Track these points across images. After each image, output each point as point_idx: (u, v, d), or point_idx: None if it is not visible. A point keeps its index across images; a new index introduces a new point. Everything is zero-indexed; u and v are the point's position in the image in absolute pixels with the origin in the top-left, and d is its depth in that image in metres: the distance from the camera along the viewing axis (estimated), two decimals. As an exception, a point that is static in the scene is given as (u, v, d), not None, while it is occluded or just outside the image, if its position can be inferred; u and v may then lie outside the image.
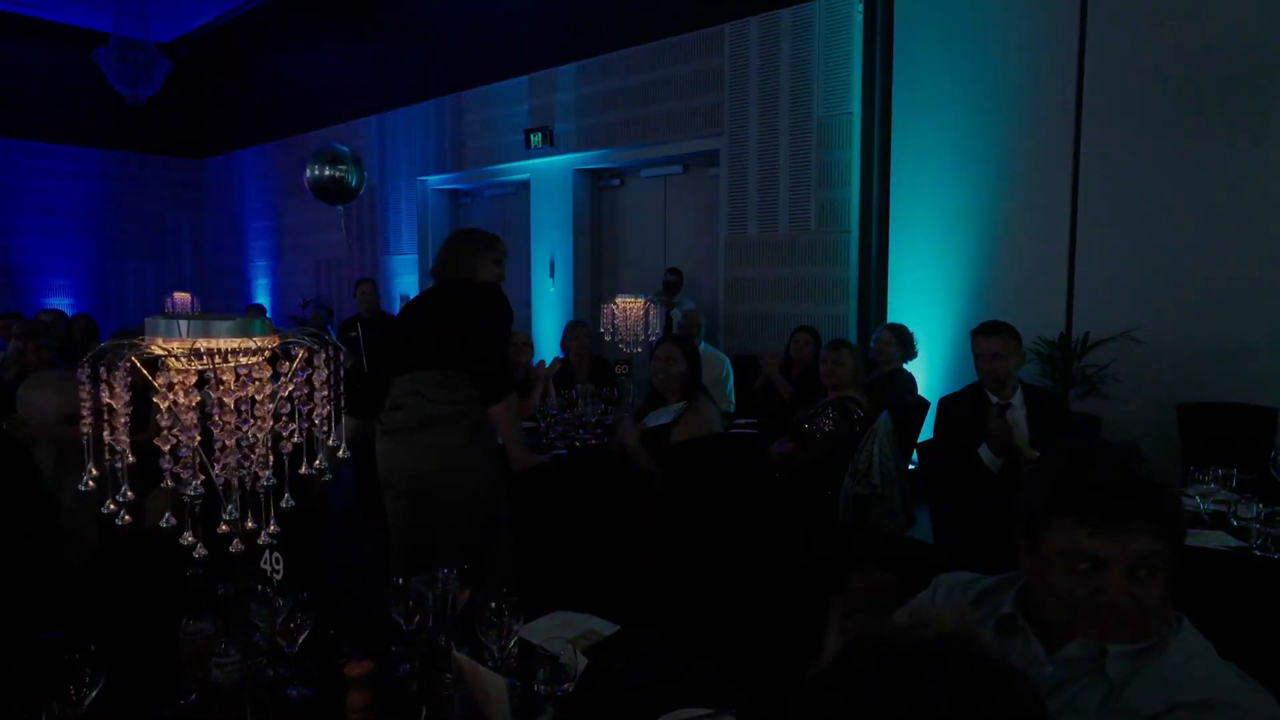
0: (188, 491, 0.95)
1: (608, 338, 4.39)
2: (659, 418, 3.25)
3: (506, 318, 2.92)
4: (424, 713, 1.21)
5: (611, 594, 2.13)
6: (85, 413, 0.96)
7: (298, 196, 10.28)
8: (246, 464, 1.05)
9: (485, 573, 2.59)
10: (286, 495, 1.02)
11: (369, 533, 3.71)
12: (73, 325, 6.84)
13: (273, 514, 1.09)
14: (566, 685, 1.49)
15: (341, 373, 1.11)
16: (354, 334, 6.06)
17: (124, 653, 1.55)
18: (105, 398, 0.97)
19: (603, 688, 1.51)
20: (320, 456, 1.07)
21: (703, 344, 5.13)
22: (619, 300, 4.36)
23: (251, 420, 1.05)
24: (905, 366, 4.34)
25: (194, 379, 0.98)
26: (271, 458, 1.07)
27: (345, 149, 6.92)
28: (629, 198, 7.48)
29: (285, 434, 1.03)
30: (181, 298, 7.41)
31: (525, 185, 7.89)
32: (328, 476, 1.11)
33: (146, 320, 1.01)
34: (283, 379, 1.03)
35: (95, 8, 9.51)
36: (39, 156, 10.68)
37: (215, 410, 1.00)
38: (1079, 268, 4.71)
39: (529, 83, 7.50)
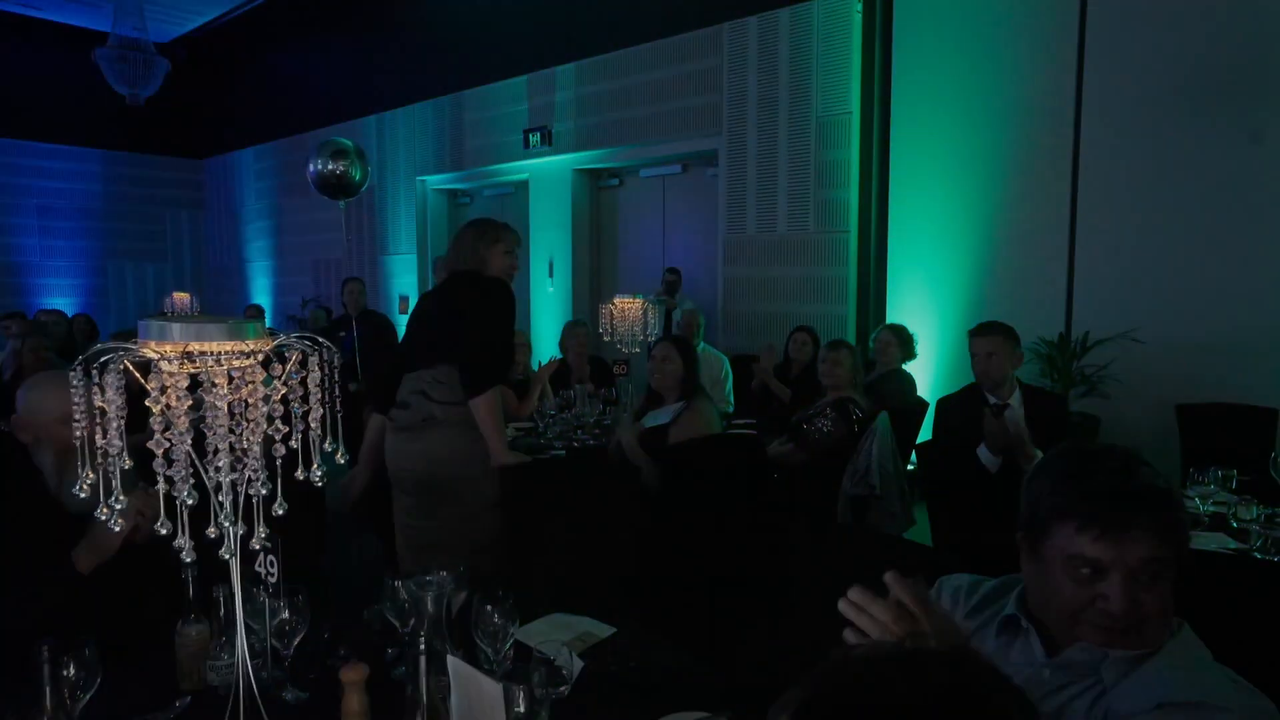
0: (182, 496, 0.94)
1: (606, 338, 4.39)
2: (657, 418, 3.25)
3: (501, 309, 2.86)
4: (417, 717, 1.20)
5: (608, 596, 2.12)
6: (78, 416, 0.96)
7: (297, 196, 10.28)
8: (239, 467, 1.05)
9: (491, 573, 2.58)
10: (280, 500, 1.02)
11: (369, 533, 3.70)
12: (72, 325, 6.84)
13: (265, 517, 1.09)
14: (563, 688, 1.49)
15: (335, 375, 1.10)
16: (343, 334, 6.05)
17: (120, 654, 1.55)
18: (98, 401, 0.96)
19: (599, 690, 1.51)
20: (317, 461, 1.06)
21: (702, 344, 5.12)
22: (617, 300, 4.36)
23: (245, 424, 1.04)
24: (905, 367, 4.34)
25: (186, 382, 0.97)
26: (265, 461, 1.06)
27: (349, 143, 6.90)
28: (628, 198, 7.48)
29: (278, 437, 1.02)
30: (180, 298, 7.41)
31: (524, 185, 7.89)
32: (321, 481, 1.10)
33: (139, 322, 1.00)
34: (275, 382, 1.02)
35: (94, 8, 9.51)
36: (39, 157, 10.69)
37: (208, 413, 1.00)
38: (1079, 267, 4.71)
39: (528, 82, 7.49)
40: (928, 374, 5.02)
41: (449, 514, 2.79)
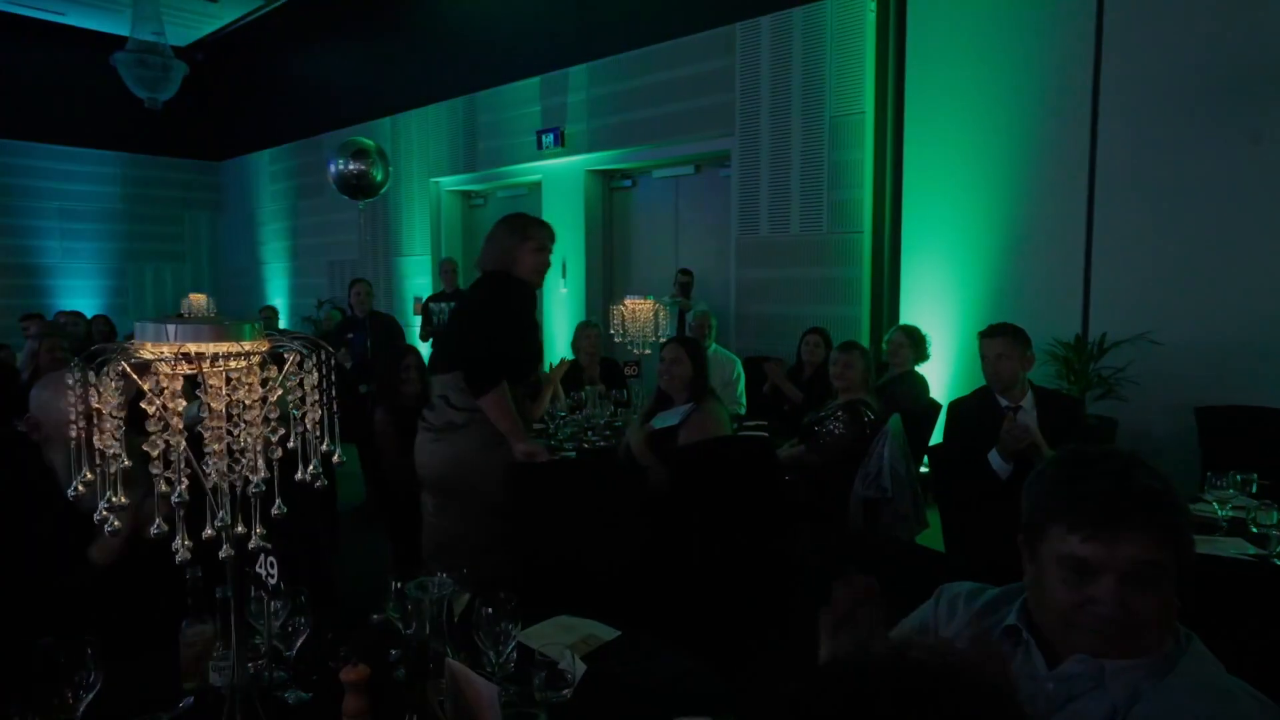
0: (173, 496, 0.94)
1: (617, 339, 4.37)
2: (666, 419, 3.23)
3: (505, 306, 2.80)
4: (414, 719, 1.20)
5: (615, 598, 2.11)
6: (74, 416, 0.96)
7: (313, 198, 10.36)
8: (237, 468, 1.05)
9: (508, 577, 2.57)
10: (278, 502, 1.01)
11: (378, 534, 3.71)
12: (91, 326, 6.91)
13: (262, 518, 1.09)
14: (565, 691, 1.48)
15: (334, 376, 1.10)
16: (351, 335, 6.06)
17: (127, 653, 1.55)
18: (94, 402, 0.96)
19: (601, 694, 1.50)
20: (314, 462, 1.06)
21: (713, 345, 5.10)
22: (628, 301, 4.34)
23: (242, 425, 1.04)
24: (918, 369, 4.30)
25: (180, 383, 0.97)
26: (262, 462, 1.06)
27: (370, 143, 6.92)
28: (640, 198, 7.47)
29: (275, 438, 1.02)
30: (197, 299, 7.46)
31: (537, 186, 7.90)
32: (321, 482, 1.10)
33: (135, 324, 1.00)
34: (271, 383, 1.02)
35: (113, 13, 9.62)
36: (60, 159, 10.83)
37: (205, 414, 0.99)
38: (1095, 269, 4.65)
39: (541, 84, 7.51)
40: (942, 376, 4.98)
41: (458, 514, 2.81)
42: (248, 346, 1.01)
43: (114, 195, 11.31)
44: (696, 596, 2.55)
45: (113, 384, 0.99)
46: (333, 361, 1.07)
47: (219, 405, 0.99)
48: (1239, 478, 2.59)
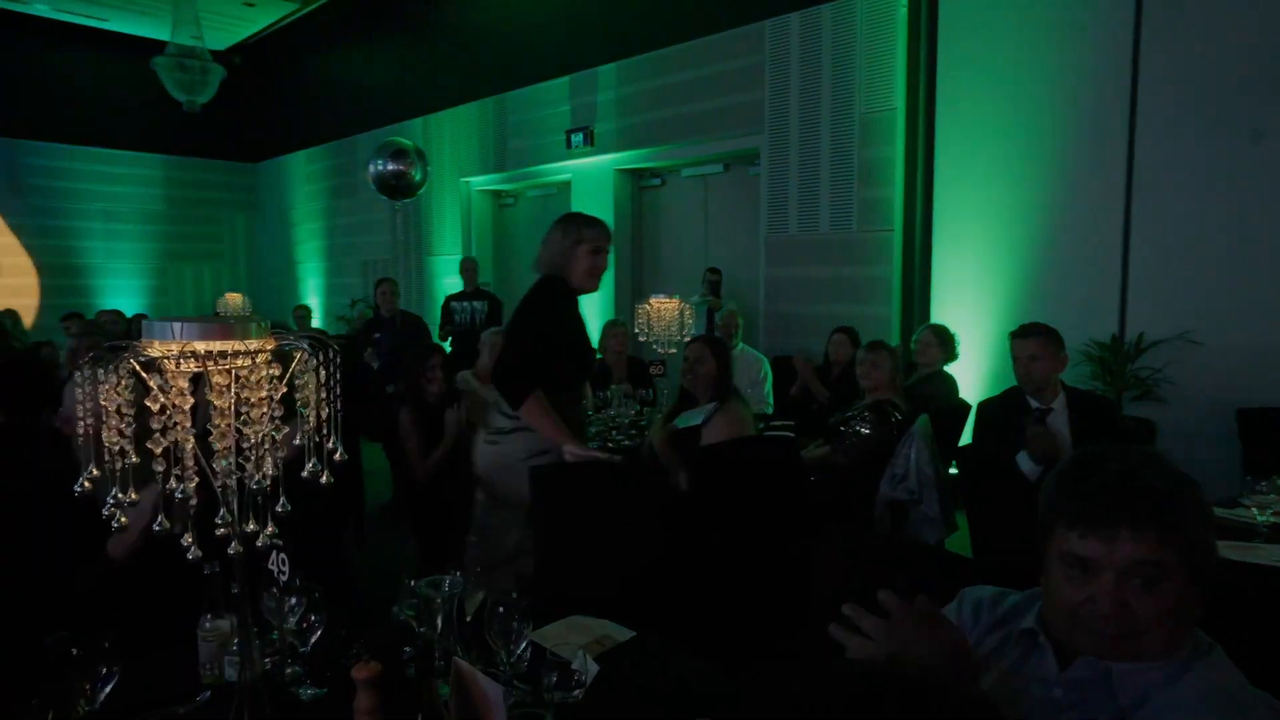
0: (177, 493, 0.95)
1: (642, 338, 4.36)
2: (689, 419, 3.21)
3: (546, 313, 2.72)
4: (420, 718, 1.19)
5: (634, 598, 2.10)
6: (82, 413, 0.97)
7: (346, 198, 10.50)
8: (246, 465, 1.05)
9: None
10: (282, 500, 1.02)
11: (405, 532, 3.74)
12: (130, 325, 7.07)
13: (271, 516, 1.09)
14: (577, 692, 1.47)
15: (339, 374, 1.10)
16: (378, 335, 6.10)
17: (147, 649, 1.58)
18: (101, 399, 0.97)
19: (612, 695, 1.48)
20: (314, 460, 1.06)
21: (740, 344, 5.07)
22: (653, 300, 4.33)
23: (249, 422, 1.05)
24: (947, 369, 4.22)
25: (185, 381, 0.98)
26: (269, 460, 1.06)
27: (409, 143, 6.98)
28: (669, 197, 7.45)
29: (279, 436, 1.02)
30: (233, 298, 7.60)
31: (566, 186, 7.92)
32: (326, 479, 1.10)
33: (143, 322, 1.01)
34: (275, 381, 1.02)
35: (154, 17, 9.84)
36: (103, 162, 11.11)
37: (211, 411, 1.00)
38: (1133, 267, 4.53)
39: (570, 83, 7.52)
40: (974, 376, 4.89)
41: (503, 516, 2.86)
42: (252, 345, 1.01)
43: (155, 197, 11.58)
44: (715, 598, 2.53)
45: (122, 382, 1.00)
46: (338, 359, 1.07)
47: (224, 403, 0.99)
48: (1280, 482, 2.50)
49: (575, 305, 2.83)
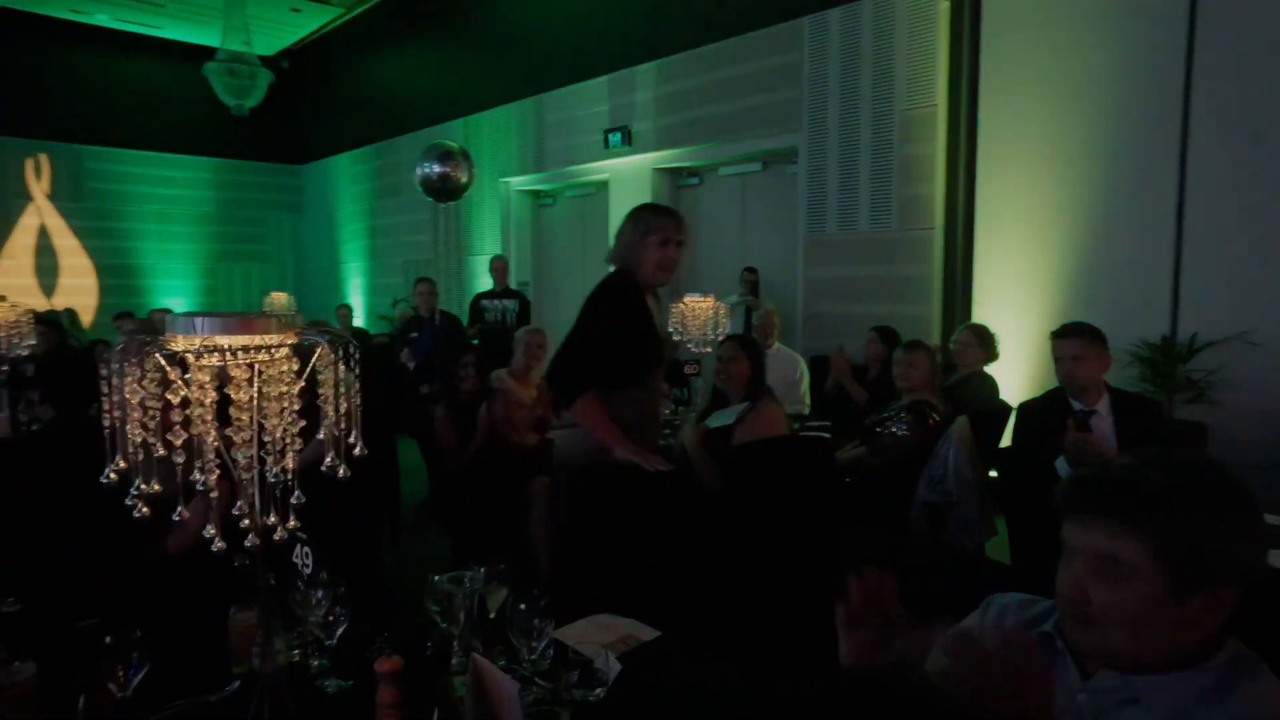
0: (196, 486, 0.97)
1: (676, 337, 4.34)
2: (721, 418, 3.18)
3: (603, 311, 2.65)
4: (436, 713, 1.20)
5: (661, 598, 2.09)
6: (108, 406, 0.99)
7: (389, 199, 10.67)
8: (268, 459, 1.07)
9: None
10: (296, 493, 1.03)
11: (439, 529, 3.79)
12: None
13: (289, 509, 1.10)
14: (598, 690, 1.47)
15: (358, 370, 1.11)
16: (415, 335, 6.16)
17: (181, 638, 1.62)
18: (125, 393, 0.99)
19: (632, 694, 1.48)
20: (331, 455, 1.07)
21: (777, 344, 5.03)
22: (688, 299, 4.31)
23: (273, 416, 1.06)
24: (987, 369, 4.13)
25: (208, 375, 0.99)
26: (289, 454, 1.08)
27: (456, 145, 7.05)
28: (707, 196, 7.42)
29: (295, 430, 1.03)
30: (278, 297, 7.75)
31: (604, 185, 7.93)
32: (344, 473, 1.11)
33: (166, 318, 1.03)
34: (295, 376, 1.03)
35: (205, 25, 10.11)
36: (158, 165, 11.47)
37: (231, 406, 1.02)
38: (1186, 265, 4.38)
39: (608, 83, 7.53)
40: (1016, 377, 4.77)
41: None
42: (272, 339, 1.02)
43: (206, 199, 11.92)
44: (744, 599, 2.50)
45: (147, 376, 1.02)
46: (357, 355, 1.08)
47: (243, 397, 1.01)
48: (1339, 490, 2.39)
49: (640, 300, 2.71)
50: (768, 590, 2.60)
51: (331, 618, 1.54)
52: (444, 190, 6.89)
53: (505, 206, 8.97)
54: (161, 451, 1.04)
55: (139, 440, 0.97)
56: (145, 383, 1.01)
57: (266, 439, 1.06)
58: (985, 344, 4.01)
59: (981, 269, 5.19)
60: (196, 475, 1.05)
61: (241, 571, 1.57)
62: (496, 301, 6.81)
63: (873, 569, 1.10)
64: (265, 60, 9.38)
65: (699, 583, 2.42)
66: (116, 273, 11.23)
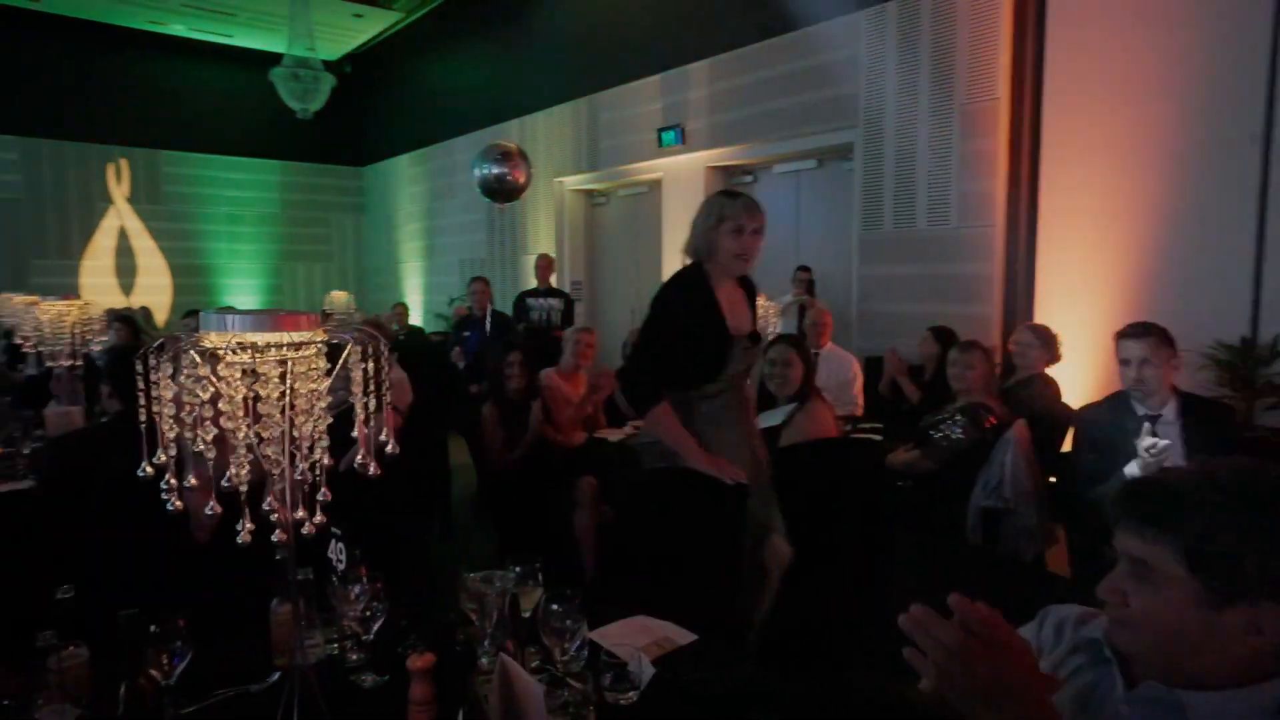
0: (222, 481, 0.98)
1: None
2: (768, 419, 3.14)
3: (667, 311, 2.55)
4: (461, 714, 1.20)
5: (699, 601, 2.06)
6: (144, 402, 1.01)
7: (445, 199, 10.85)
8: (298, 455, 1.08)
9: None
10: (323, 489, 1.03)
11: (488, 526, 3.82)
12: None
13: (324, 505, 1.11)
14: (630, 694, 1.45)
15: (386, 367, 1.11)
16: (468, 333, 6.21)
17: (227, 628, 1.65)
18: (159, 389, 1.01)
19: (663, 698, 1.45)
20: (361, 451, 1.08)
21: (829, 344, 4.94)
22: (738, 299, 4.25)
23: (303, 413, 1.07)
24: (1049, 371, 3.98)
25: (238, 371, 1.00)
26: (319, 450, 1.08)
27: (513, 145, 7.12)
28: (761, 194, 7.30)
29: (323, 426, 1.04)
30: (337, 296, 7.95)
31: (657, 184, 7.92)
32: (372, 470, 1.12)
33: (200, 315, 1.05)
34: (321, 373, 1.04)
35: (272, 31, 10.42)
36: (228, 169, 11.91)
37: (261, 402, 1.03)
38: (1269, 263, 4.15)
39: (662, 81, 7.51)
40: (1080, 380, 4.59)
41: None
42: (301, 336, 1.03)
43: (272, 200, 12.32)
44: (788, 604, 2.46)
45: (184, 372, 1.04)
46: (385, 353, 1.08)
47: (270, 392, 1.02)
48: None
49: (705, 294, 2.58)
50: (814, 594, 2.55)
51: (369, 612, 1.55)
52: (501, 191, 6.96)
53: (559, 206, 9.02)
54: (200, 447, 1.07)
55: (172, 435, 0.99)
56: (184, 379, 1.03)
57: (296, 434, 1.08)
58: (1047, 345, 3.87)
59: (1044, 267, 5.01)
60: (231, 470, 1.07)
61: (282, 565, 1.59)
62: (541, 300, 6.86)
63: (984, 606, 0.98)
64: (328, 65, 9.62)
65: (741, 586, 2.39)
66: (189, 272, 11.68)
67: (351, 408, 1.08)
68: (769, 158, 6.93)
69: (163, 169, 11.44)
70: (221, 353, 1.00)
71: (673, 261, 7.70)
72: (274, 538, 1.07)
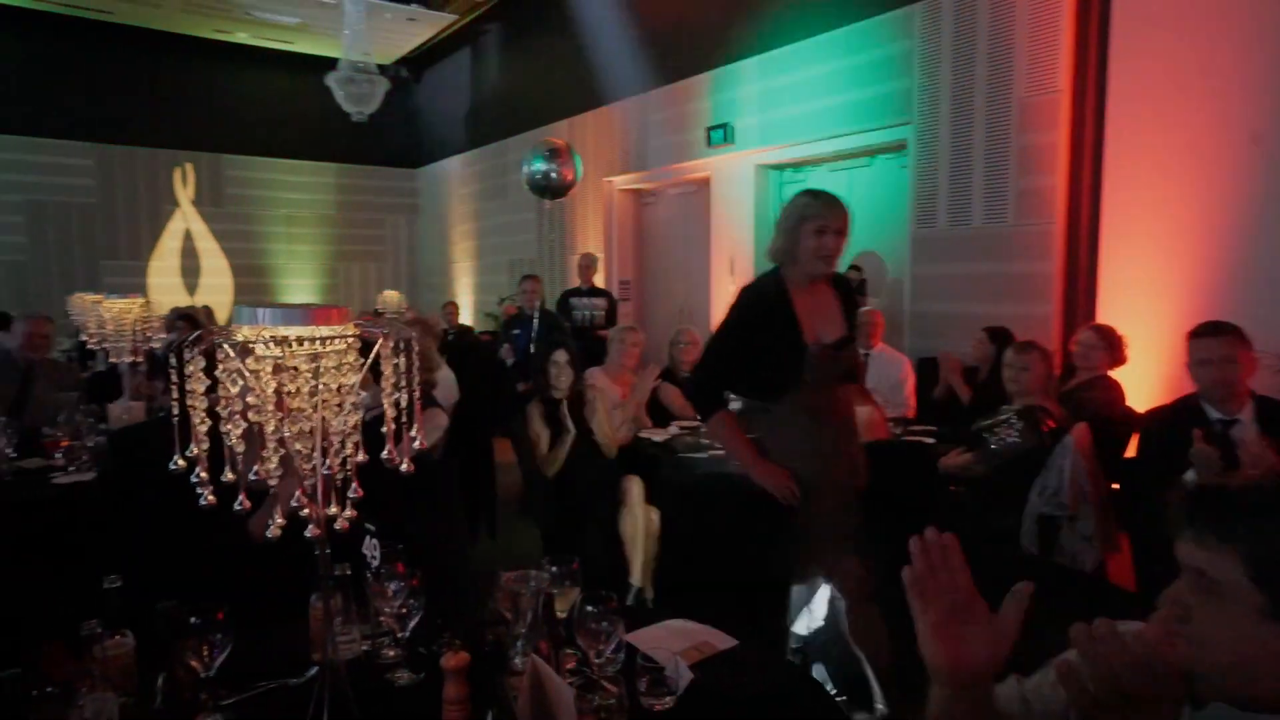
0: (249, 477, 0.98)
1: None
2: (815, 421, 3.06)
3: (739, 318, 2.50)
4: (491, 714, 1.18)
5: (740, 606, 2.02)
6: (176, 395, 1.02)
7: (496, 199, 10.95)
8: (329, 450, 1.07)
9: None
10: (354, 485, 1.03)
11: (532, 526, 3.82)
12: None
13: (355, 502, 1.11)
14: (667, 699, 1.42)
15: (417, 363, 1.10)
16: (517, 331, 6.23)
17: (268, 623, 1.67)
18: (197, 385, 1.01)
19: (700, 703, 1.42)
20: (390, 446, 1.06)
21: (880, 345, 4.83)
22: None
23: (337, 408, 1.06)
24: (1113, 374, 3.81)
25: (269, 365, 1.00)
26: (350, 445, 1.08)
27: (560, 141, 7.16)
28: (812, 193, 7.21)
29: (352, 422, 1.03)
30: (390, 295, 8.06)
31: (705, 183, 7.86)
32: (406, 467, 1.11)
33: (233, 308, 1.05)
34: (353, 368, 1.03)
35: (329, 36, 10.66)
36: (287, 172, 12.23)
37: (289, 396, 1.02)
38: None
39: (711, 79, 7.45)
40: (1145, 383, 4.39)
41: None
42: (331, 331, 1.02)
43: (328, 202, 12.62)
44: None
45: (220, 366, 1.04)
46: (415, 349, 1.07)
47: (303, 388, 1.01)
48: None
49: (779, 301, 2.51)
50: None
51: (405, 610, 1.55)
52: (549, 187, 6.99)
53: (608, 206, 9.03)
54: (233, 441, 1.07)
55: (204, 430, 0.99)
56: (219, 373, 1.04)
57: (328, 429, 1.07)
58: (1111, 346, 3.71)
59: (1108, 266, 4.81)
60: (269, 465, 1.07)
61: (321, 560, 1.60)
62: (585, 300, 6.86)
63: (934, 532, 1.07)
64: (383, 68, 9.78)
65: (782, 591, 2.33)
66: (249, 272, 12.03)
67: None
68: (820, 155, 6.82)
69: (225, 173, 11.81)
70: (252, 346, 1.00)
71: (721, 261, 7.64)
72: (307, 533, 1.07)
